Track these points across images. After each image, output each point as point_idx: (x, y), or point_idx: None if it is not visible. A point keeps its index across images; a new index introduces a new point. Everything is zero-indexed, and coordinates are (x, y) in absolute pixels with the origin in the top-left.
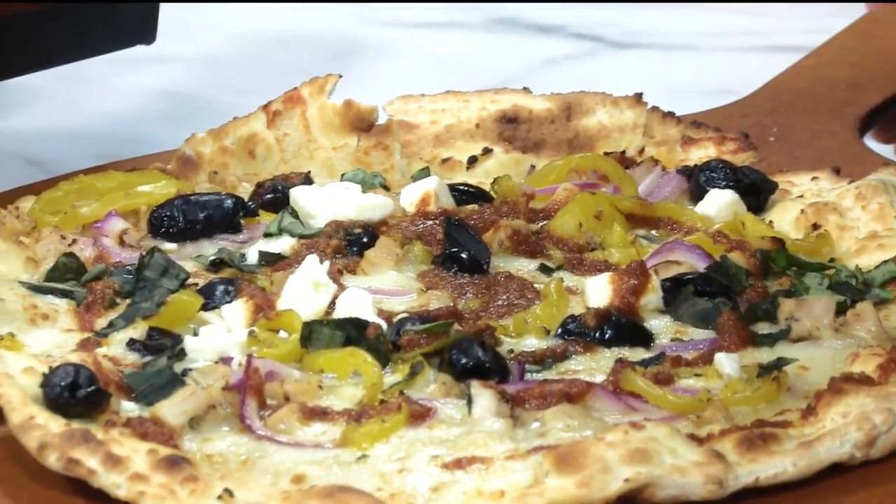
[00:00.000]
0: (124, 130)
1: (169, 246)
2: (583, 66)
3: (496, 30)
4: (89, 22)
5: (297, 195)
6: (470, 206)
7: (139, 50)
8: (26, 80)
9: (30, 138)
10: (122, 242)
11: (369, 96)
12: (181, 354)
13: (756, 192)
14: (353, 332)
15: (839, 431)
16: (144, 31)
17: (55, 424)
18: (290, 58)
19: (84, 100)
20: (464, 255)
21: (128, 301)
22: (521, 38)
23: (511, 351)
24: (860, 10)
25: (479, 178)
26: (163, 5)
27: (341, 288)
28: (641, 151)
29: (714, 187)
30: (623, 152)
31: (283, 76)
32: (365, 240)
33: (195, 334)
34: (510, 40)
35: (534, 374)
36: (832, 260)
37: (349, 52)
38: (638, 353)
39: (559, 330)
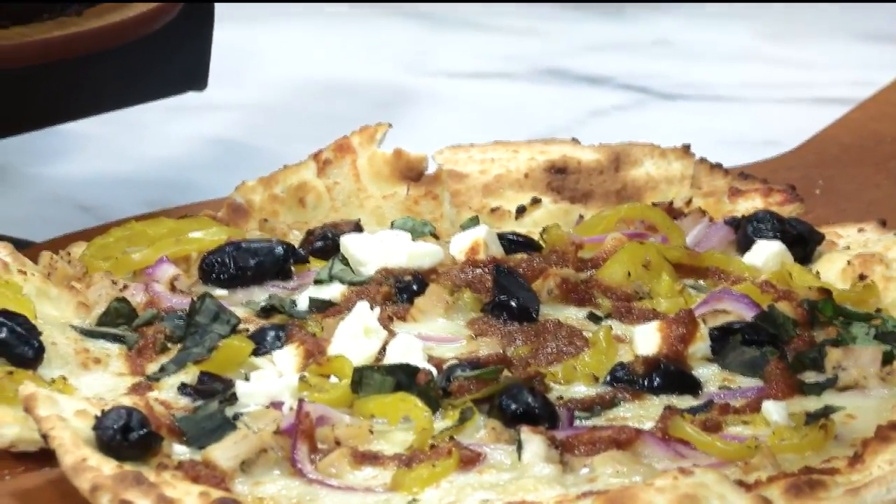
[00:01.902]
0: (175, 177)
1: (220, 292)
2: (630, 117)
3: (544, 80)
4: (141, 68)
5: (348, 243)
6: (519, 255)
7: (190, 97)
8: (78, 126)
9: (81, 184)
10: (173, 288)
11: (418, 146)
12: (232, 399)
13: (803, 243)
14: (404, 378)
15: (886, 478)
16: (196, 78)
17: (107, 466)
18: (339, 106)
19: (135, 146)
20: (513, 303)
21: (179, 346)
22: (568, 89)
23: (560, 397)
24: None
25: (528, 227)
26: (214, 53)
27: (391, 334)
28: (689, 202)
29: (761, 238)
30: (671, 203)
31: (332, 125)
32: (415, 287)
33: (246, 379)
34: (558, 91)
35: (583, 421)
36: (878, 310)
37: (398, 102)
38: (686, 401)
39: (608, 377)
